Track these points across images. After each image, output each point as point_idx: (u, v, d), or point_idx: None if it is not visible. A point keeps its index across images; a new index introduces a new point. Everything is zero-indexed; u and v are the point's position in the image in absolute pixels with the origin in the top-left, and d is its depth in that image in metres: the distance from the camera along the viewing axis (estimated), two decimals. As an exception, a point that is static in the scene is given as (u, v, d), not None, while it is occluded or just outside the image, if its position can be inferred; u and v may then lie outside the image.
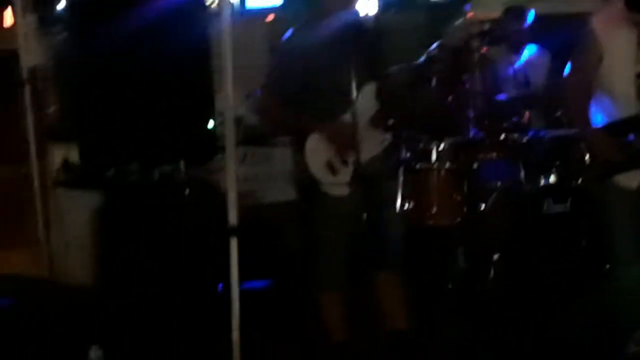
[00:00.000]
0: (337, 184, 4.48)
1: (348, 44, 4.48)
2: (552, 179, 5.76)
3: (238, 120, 5.31)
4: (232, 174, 4.34)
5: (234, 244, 4.28)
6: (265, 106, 4.76)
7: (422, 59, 5.12)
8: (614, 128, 4.31)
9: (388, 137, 4.72)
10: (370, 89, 4.56)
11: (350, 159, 4.49)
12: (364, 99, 4.54)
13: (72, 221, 5.63)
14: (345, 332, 4.60)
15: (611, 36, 4.27)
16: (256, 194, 6.79)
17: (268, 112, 4.76)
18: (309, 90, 4.51)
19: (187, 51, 4.60)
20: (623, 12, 4.20)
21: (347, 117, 4.50)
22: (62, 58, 5.33)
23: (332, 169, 4.48)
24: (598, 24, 4.32)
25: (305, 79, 4.49)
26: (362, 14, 5.20)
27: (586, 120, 4.43)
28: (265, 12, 7.90)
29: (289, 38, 4.63)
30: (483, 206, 5.88)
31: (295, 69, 4.49)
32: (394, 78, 4.81)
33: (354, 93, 4.45)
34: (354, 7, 4.66)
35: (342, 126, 4.49)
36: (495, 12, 7.02)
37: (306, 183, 4.55)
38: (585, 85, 4.44)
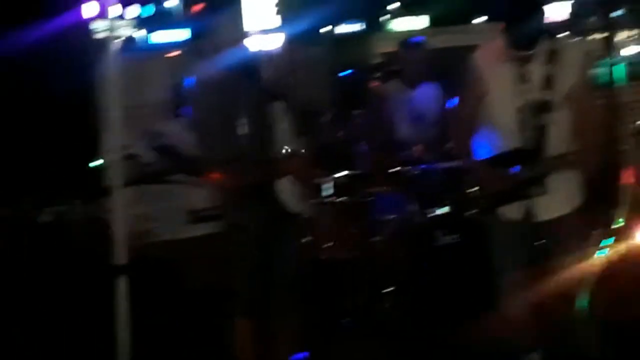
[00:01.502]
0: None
1: (257, 80, 4.50)
2: (444, 210, 5.86)
3: (132, 158, 5.28)
4: (119, 213, 4.31)
5: (122, 282, 4.24)
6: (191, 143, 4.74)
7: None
8: (499, 160, 4.43)
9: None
10: (286, 127, 4.61)
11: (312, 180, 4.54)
12: (281, 135, 4.59)
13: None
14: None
15: (494, 71, 4.41)
16: (154, 231, 6.73)
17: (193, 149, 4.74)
18: (224, 126, 4.53)
19: (75, 88, 4.56)
20: (504, 48, 4.34)
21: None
22: None
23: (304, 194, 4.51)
24: (481, 59, 4.46)
25: (220, 115, 4.51)
26: (268, 48, 5.23)
27: (471, 153, 4.55)
28: (170, 47, 7.86)
29: (200, 75, 4.65)
30: (378, 238, 5.95)
31: (208, 104, 4.52)
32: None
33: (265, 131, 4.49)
34: (257, 42, 4.69)
35: (270, 160, 4.51)
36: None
37: (221, 217, 4.58)
38: (469, 118, 4.56)
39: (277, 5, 11.52)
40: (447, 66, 5.57)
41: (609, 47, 4.17)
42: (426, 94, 6.64)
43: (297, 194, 4.53)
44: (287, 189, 4.51)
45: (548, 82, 4.32)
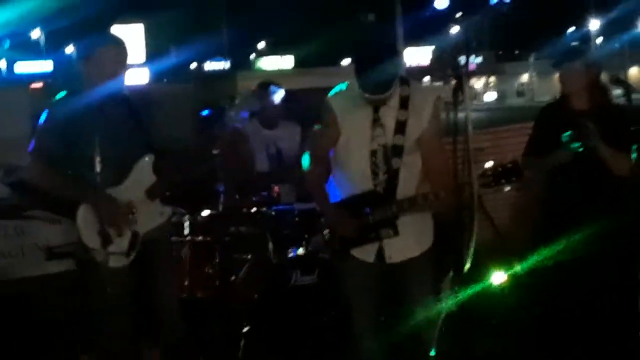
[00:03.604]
0: (114, 254, 4.43)
1: (118, 115, 4.47)
2: (301, 251, 5.90)
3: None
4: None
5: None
6: (34, 174, 4.64)
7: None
8: (350, 203, 4.50)
9: (168, 208, 4.75)
10: (145, 162, 4.57)
11: (125, 230, 4.47)
12: (140, 171, 4.54)
13: None
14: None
15: (348, 115, 4.48)
16: (6, 269, 6.53)
17: (38, 179, 4.64)
18: (76, 159, 4.46)
19: None
20: (359, 93, 4.42)
21: (120, 188, 4.48)
22: None
23: (105, 238, 4.43)
24: (336, 103, 4.52)
25: (72, 147, 4.44)
26: (133, 84, 5.18)
27: (323, 195, 4.61)
28: (33, 78, 7.70)
29: (56, 105, 4.56)
30: (234, 278, 5.94)
31: (60, 137, 4.43)
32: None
33: (128, 164, 4.44)
34: (122, 77, 4.63)
35: (109, 199, 4.45)
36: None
37: (81, 254, 4.49)
38: (325, 159, 4.63)
39: (144, 40, 11.45)
40: (311, 106, 5.63)
41: (463, 93, 4.28)
42: (285, 134, 6.70)
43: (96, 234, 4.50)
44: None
45: (400, 127, 4.43)
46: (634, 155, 5.12)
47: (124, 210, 4.51)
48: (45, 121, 4.59)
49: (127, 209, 4.54)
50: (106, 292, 4.42)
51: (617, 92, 5.34)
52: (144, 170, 4.62)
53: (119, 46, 4.63)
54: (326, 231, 4.57)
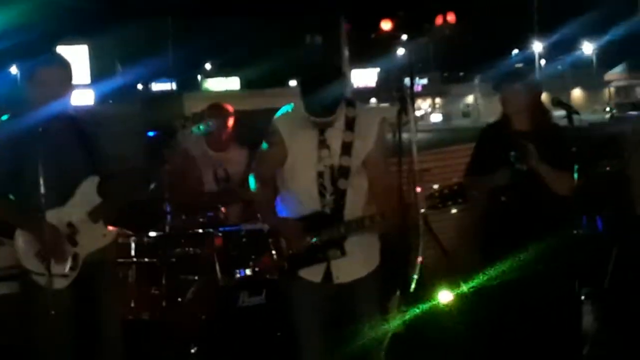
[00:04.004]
0: (54, 276, 4.39)
1: (63, 136, 4.43)
2: (248, 272, 5.90)
3: None
4: None
5: None
6: None
7: None
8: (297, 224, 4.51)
9: (113, 230, 4.72)
10: (89, 183, 4.54)
11: (65, 253, 4.44)
12: (84, 193, 4.50)
13: None
14: None
15: (294, 136, 4.50)
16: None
17: None
18: (19, 181, 4.42)
19: None
20: (305, 114, 4.45)
21: (63, 209, 4.44)
22: None
23: (44, 260, 4.39)
24: (282, 124, 4.55)
25: (15, 168, 4.40)
26: (77, 104, 5.14)
27: (271, 213, 4.62)
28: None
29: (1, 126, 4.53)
30: (181, 299, 5.91)
31: (2, 159, 4.40)
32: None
33: (72, 186, 4.40)
34: (67, 97, 4.59)
35: (48, 227, 4.41)
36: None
37: (21, 276, 4.45)
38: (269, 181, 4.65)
39: (88, 61, 11.38)
40: (259, 128, 5.66)
41: (407, 115, 4.34)
42: (234, 157, 6.70)
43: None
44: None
45: (346, 148, 4.46)
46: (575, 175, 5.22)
47: (62, 236, 4.48)
48: None
49: (68, 230, 4.51)
50: (49, 315, 4.38)
51: (560, 113, 5.43)
52: (88, 191, 4.60)
53: (62, 66, 4.59)
54: (275, 251, 4.58)
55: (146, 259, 5.94)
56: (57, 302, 4.40)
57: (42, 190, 4.33)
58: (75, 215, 4.55)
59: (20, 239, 4.48)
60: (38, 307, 4.46)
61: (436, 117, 70.84)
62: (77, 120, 4.69)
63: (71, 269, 4.50)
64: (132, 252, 5.96)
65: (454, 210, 4.58)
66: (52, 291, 4.39)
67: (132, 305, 5.83)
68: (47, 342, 4.48)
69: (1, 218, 4.62)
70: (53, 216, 4.47)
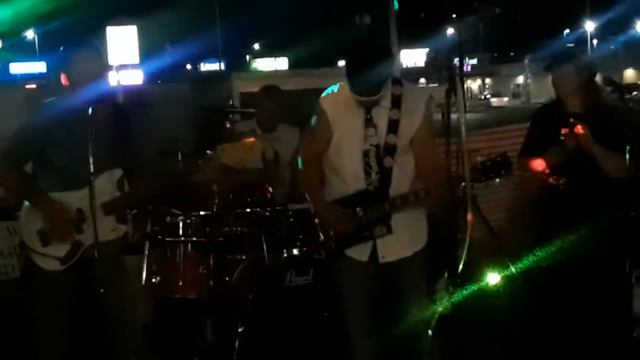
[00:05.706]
0: (49, 257, 4.41)
1: (99, 123, 4.40)
2: (295, 251, 5.89)
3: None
4: None
5: None
6: None
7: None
8: (344, 203, 4.50)
9: (122, 227, 4.70)
10: (111, 175, 4.54)
11: (68, 236, 4.44)
12: (103, 183, 4.49)
13: None
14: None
15: (340, 116, 4.48)
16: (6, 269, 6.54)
17: None
18: (42, 160, 4.45)
19: None
20: (351, 94, 4.42)
21: (77, 194, 4.44)
22: None
23: (44, 239, 4.41)
24: (328, 104, 4.53)
25: (42, 147, 4.42)
26: (126, 84, 5.13)
27: (317, 194, 4.61)
28: (28, 79, 7.69)
29: (38, 109, 4.56)
30: (229, 279, 5.93)
31: (35, 136, 4.42)
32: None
33: (92, 172, 4.38)
34: (101, 82, 4.54)
35: (57, 205, 4.43)
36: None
37: (25, 254, 4.49)
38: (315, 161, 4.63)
39: (137, 41, 11.42)
40: (307, 108, 5.66)
41: (456, 95, 4.28)
42: (282, 135, 6.70)
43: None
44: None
45: (393, 126, 4.43)
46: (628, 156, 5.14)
47: (71, 217, 4.48)
48: (23, 123, 4.59)
49: (76, 216, 4.50)
50: (42, 296, 4.45)
51: (612, 94, 5.35)
52: (107, 183, 4.55)
53: (92, 53, 4.59)
54: (322, 230, 4.56)
55: (194, 238, 5.95)
56: (50, 285, 4.42)
57: (61, 171, 4.39)
58: (87, 203, 4.48)
59: (26, 214, 4.51)
60: (32, 287, 4.50)
61: (499, 100, 67.92)
62: (121, 106, 4.69)
63: (69, 254, 4.48)
64: (180, 232, 5.98)
65: (497, 182, 4.51)
66: (47, 273, 4.42)
67: (180, 284, 5.85)
68: (38, 321, 4.50)
69: (14, 189, 4.66)
70: (66, 198, 4.48)
